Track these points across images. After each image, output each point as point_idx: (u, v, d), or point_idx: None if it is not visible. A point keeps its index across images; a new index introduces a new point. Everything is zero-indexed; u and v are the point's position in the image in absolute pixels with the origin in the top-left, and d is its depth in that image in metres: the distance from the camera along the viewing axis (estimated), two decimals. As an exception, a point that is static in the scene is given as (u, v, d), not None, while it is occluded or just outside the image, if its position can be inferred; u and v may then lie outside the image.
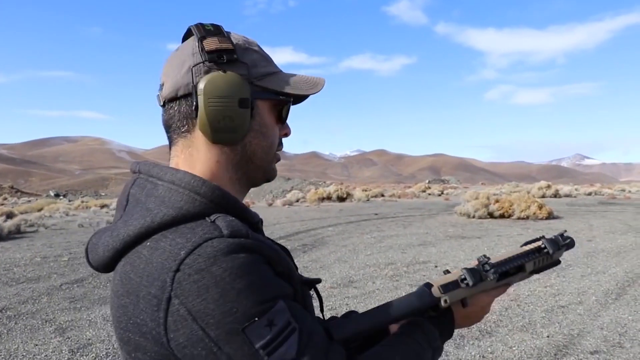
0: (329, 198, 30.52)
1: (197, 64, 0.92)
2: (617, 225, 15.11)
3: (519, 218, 16.86)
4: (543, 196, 30.14)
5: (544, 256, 1.18)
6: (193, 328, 0.76)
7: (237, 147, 0.95)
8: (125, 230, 0.85)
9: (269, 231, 13.98)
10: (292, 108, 1.05)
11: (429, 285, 1.05)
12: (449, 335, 1.08)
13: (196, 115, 0.91)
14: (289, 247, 11.23)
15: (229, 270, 0.77)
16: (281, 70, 1.02)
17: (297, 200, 31.14)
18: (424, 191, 40.45)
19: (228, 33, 0.96)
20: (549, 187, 32.82)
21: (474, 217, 17.12)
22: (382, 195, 33.94)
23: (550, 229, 14.29)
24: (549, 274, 7.97)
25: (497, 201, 17.93)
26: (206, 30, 0.93)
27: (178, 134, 0.96)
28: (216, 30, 0.94)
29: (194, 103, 0.90)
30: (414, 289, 1.06)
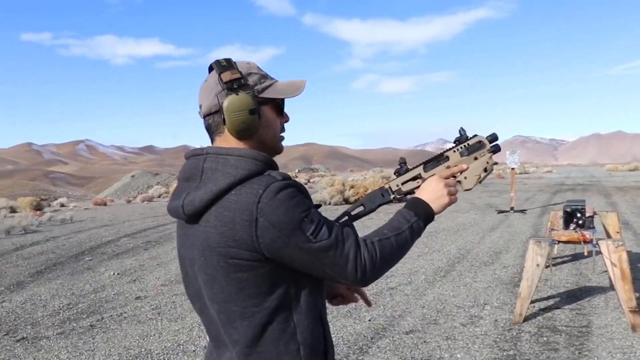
0: (192, 191, 29.55)
1: (220, 92, 1.37)
2: (462, 204, 16.00)
3: (373, 202, 17.24)
4: (402, 180, 31.34)
5: (459, 147, 1.60)
6: (273, 231, 1.24)
7: (254, 138, 1.40)
8: (217, 186, 1.29)
9: (115, 230, 13.08)
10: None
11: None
12: (424, 209, 1.47)
13: (224, 123, 1.37)
14: (131, 246, 10.48)
15: (286, 195, 1.26)
16: (275, 80, 1.45)
17: (160, 196, 29.92)
18: (291, 180, 40.61)
19: (235, 64, 1.39)
20: (407, 171, 34.25)
21: (329, 204, 17.29)
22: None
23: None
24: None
25: (352, 187, 18.27)
26: (222, 67, 1.38)
27: (216, 134, 1.42)
28: (228, 65, 1.38)
29: (222, 117, 1.36)
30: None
